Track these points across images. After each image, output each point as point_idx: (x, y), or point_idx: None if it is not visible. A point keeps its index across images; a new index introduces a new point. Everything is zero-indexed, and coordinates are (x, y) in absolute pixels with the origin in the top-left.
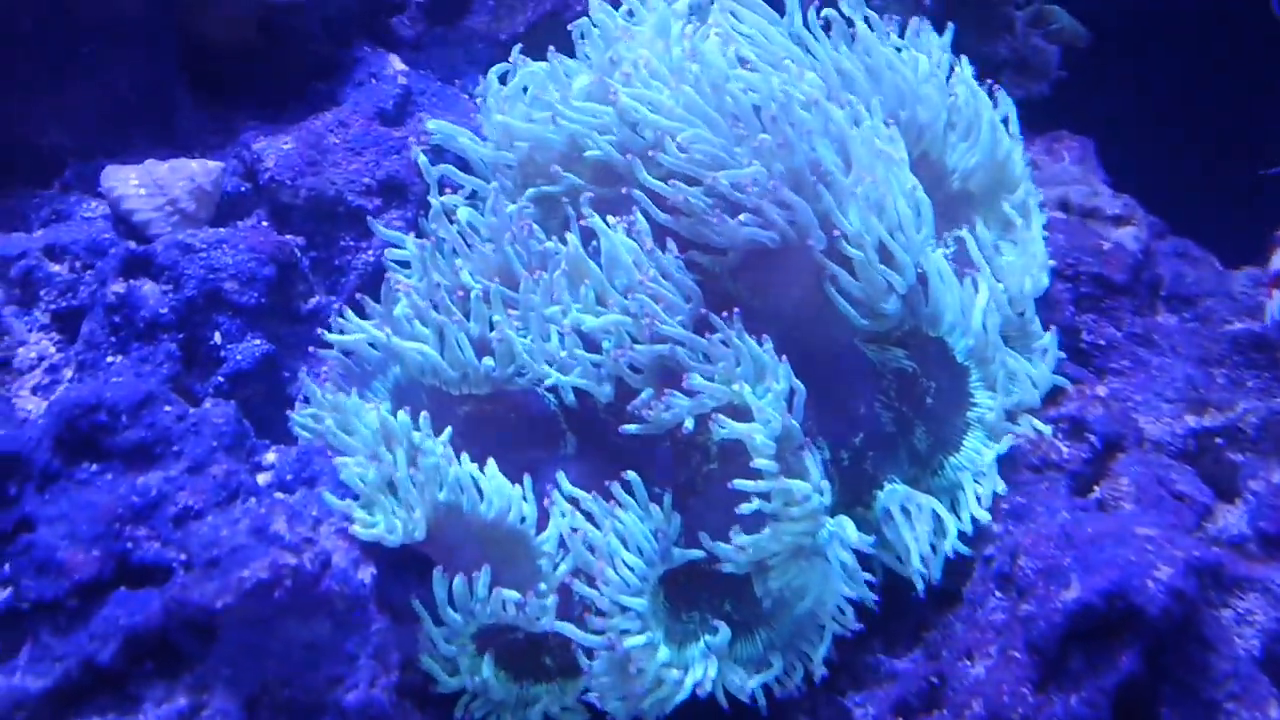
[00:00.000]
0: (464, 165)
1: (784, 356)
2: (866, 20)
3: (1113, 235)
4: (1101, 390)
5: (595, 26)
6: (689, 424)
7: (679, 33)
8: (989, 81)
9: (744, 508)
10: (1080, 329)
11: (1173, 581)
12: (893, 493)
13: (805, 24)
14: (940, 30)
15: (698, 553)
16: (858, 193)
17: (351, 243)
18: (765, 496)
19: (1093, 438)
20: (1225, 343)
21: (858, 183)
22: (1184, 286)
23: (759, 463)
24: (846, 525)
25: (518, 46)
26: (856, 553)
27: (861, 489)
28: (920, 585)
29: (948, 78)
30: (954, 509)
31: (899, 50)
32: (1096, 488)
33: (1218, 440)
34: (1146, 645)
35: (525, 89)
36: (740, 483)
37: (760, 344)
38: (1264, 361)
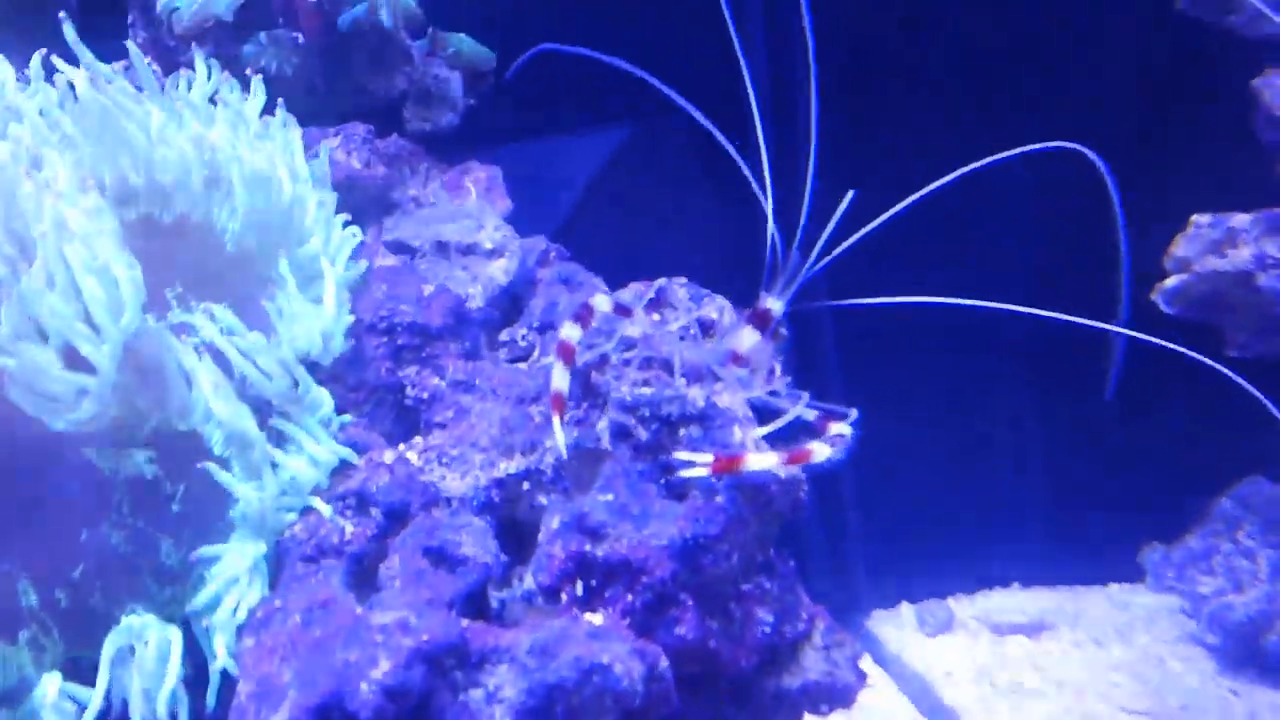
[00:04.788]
0: None
1: None
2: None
3: (485, 271)
4: (389, 456)
5: None
6: None
7: None
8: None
9: None
10: (405, 385)
11: (387, 680)
12: (125, 629)
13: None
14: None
15: None
16: (23, 284)
17: None
18: None
19: (376, 511)
20: (542, 376)
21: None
22: (553, 316)
23: None
24: (49, 683)
25: None
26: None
27: (93, 629)
28: None
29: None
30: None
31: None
32: (382, 568)
33: (525, 486)
34: None
35: None
36: None
37: None
38: (575, 391)
